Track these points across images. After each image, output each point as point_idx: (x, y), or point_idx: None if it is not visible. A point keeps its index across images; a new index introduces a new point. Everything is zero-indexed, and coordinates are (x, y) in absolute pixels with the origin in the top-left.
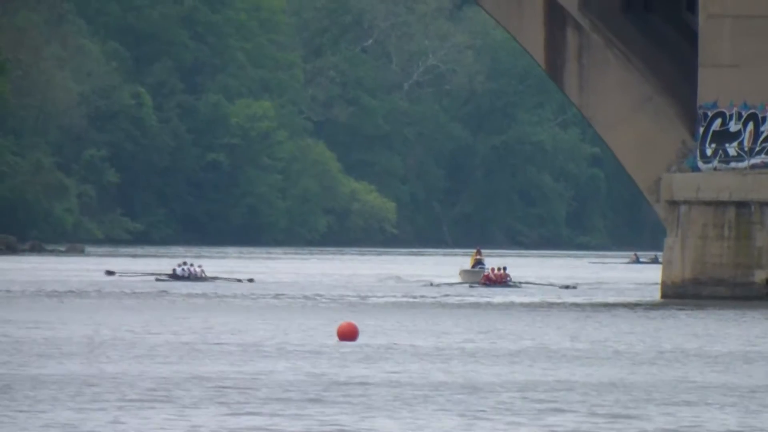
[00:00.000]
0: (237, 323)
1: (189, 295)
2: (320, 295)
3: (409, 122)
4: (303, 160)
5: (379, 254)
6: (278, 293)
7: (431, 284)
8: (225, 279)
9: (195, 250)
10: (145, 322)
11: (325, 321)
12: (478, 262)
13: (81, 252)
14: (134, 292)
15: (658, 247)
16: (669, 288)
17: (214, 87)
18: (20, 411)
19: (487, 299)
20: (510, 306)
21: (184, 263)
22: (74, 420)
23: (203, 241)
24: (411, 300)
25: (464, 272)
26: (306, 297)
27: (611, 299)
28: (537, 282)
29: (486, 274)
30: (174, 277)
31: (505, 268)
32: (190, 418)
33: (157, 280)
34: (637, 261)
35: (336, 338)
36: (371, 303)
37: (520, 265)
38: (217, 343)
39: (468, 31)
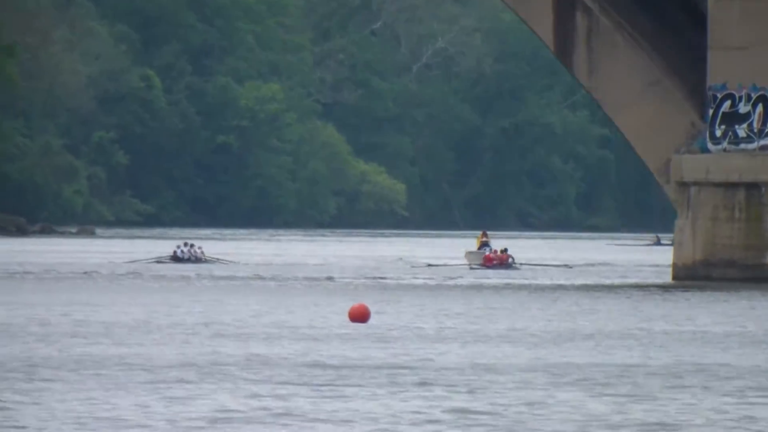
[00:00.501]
0: (246, 305)
1: (194, 277)
2: (329, 278)
3: (418, 104)
4: (312, 143)
5: (388, 236)
6: (282, 275)
7: (429, 265)
8: (225, 261)
9: (205, 232)
10: (157, 305)
11: (334, 303)
12: (484, 244)
13: (92, 234)
14: (140, 274)
15: (669, 228)
16: (680, 270)
17: (223, 69)
18: (43, 394)
19: (491, 280)
20: (515, 287)
21: (184, 244)
22: (95, 403)
23: (213, 223)
24: (414, 281)
25: (469, 254)
26: (313, 279)
27: (619, 281)
28: (539, 263)
29: (487, 255)
30: (175, 258)
31: (506, 250)
32: (204, 401)
33: (158, 262)
34: (658, 243)
35: (347, 320)
36: (375, 285)
37: (532, 247)
38: (229, 325)
39: (476, 14)
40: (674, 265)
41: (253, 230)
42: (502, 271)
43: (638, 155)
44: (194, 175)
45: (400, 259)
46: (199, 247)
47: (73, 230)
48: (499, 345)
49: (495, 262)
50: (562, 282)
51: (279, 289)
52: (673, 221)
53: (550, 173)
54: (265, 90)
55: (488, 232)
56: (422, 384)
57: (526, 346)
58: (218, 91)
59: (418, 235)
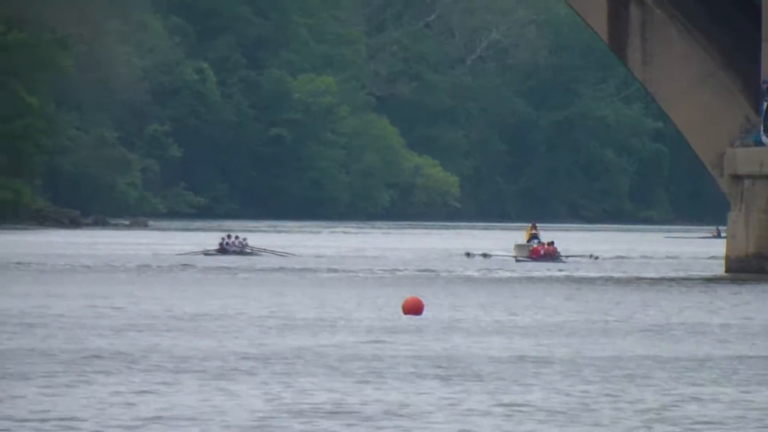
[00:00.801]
0: (300, 297)
1: (245, 269)
2: (382, 269)
3: (472, 97)
4: (365, 135)
5: (440, 228)
6: (334, 267)
7: (485, 255)
8: (273, 252)
9: (257, 224)
10: (214, 298)
11: (386, 295)
12: (533, 237)
13: (144, 226)
14: (190, 266)
15: (722, 221)
16: (733, 262)
17: (277, 62)
18: (97, 385)
19: (541, 273)
20: (566, 280)
21: (228, 236)
22: (148, 395)
23: (266, 215)
24: (465, 274)
25: (518, 246)
26: (365, 271)
27: (673, 273)
28: (585, 255)
29: (534, 248)
30: (221, 251)
31: (552, 243)
32: (262, 392)
33: (206, 254)
34: (718, 236)
35: (402, 312)
36: (427, 276)
37: (587, 240)
38: (285, 317)
39: (530, 6)
40: (727, 258)
41: (306, 222)
42: (551, 264)
43: (692, 148)
44: (248, 167)
45: (467, 254)
46: (245, 239)
47: (126, 222)
48: (551, 337)
49: (542, 254)
50: (614, 275)
51: (331, 282)
52: (727, 214)
53: (604, 166)
54: (318, 83)
55: (539, 224)
56: (475, 376)
57: (578, 338)
58: (272, 84)
59: (471, 227)
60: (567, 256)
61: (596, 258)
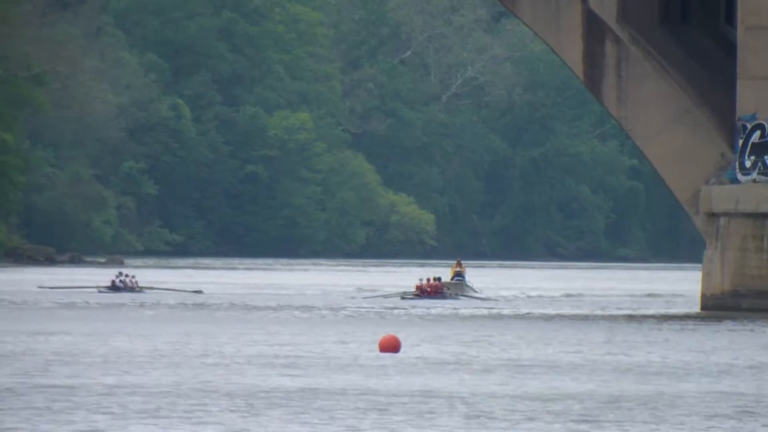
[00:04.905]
0: (249, 335)
1: (213, 307)
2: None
3: (447, 134)
4: (341, 172)
5: (414, 265)
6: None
7: (364, 297)
8: (163, 290)
9: (233, 261)
10: (178, 335)
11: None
12: (458, 274)
13: (120, 264)
14: (80, 303)
15: (698, 259)
16: (708, 300)
17: (252, 99)
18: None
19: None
20: (541, 317)
21: (120, 273)
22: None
23: (241, 252)
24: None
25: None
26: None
27: (651, 311)
28: (487, 296)
29: (419, 285)
30: (113, 288)
31: (440, 279)
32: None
33: (99, 291)
34: None
35: (378, 350)
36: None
37: (563, 278)
38: (252, 356)
39: (506, 43)
40: (703, 296)
41: (281, 260)
42: (436, 301)
43: (667, 186)
44: (223, 204)
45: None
46: (133, 277)
47: (102, 260)
48: (537, 375)
49: (428, 291)
50: (565, 312)
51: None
52: (702, 252)
53: (579, 203)
54: (294, 119)
55: (462, 261)
56: (468, 416)
57: (570, 377)
58: (247, 120)
59: (444, 265)
60: (488, 299)
61: (496, 300)
